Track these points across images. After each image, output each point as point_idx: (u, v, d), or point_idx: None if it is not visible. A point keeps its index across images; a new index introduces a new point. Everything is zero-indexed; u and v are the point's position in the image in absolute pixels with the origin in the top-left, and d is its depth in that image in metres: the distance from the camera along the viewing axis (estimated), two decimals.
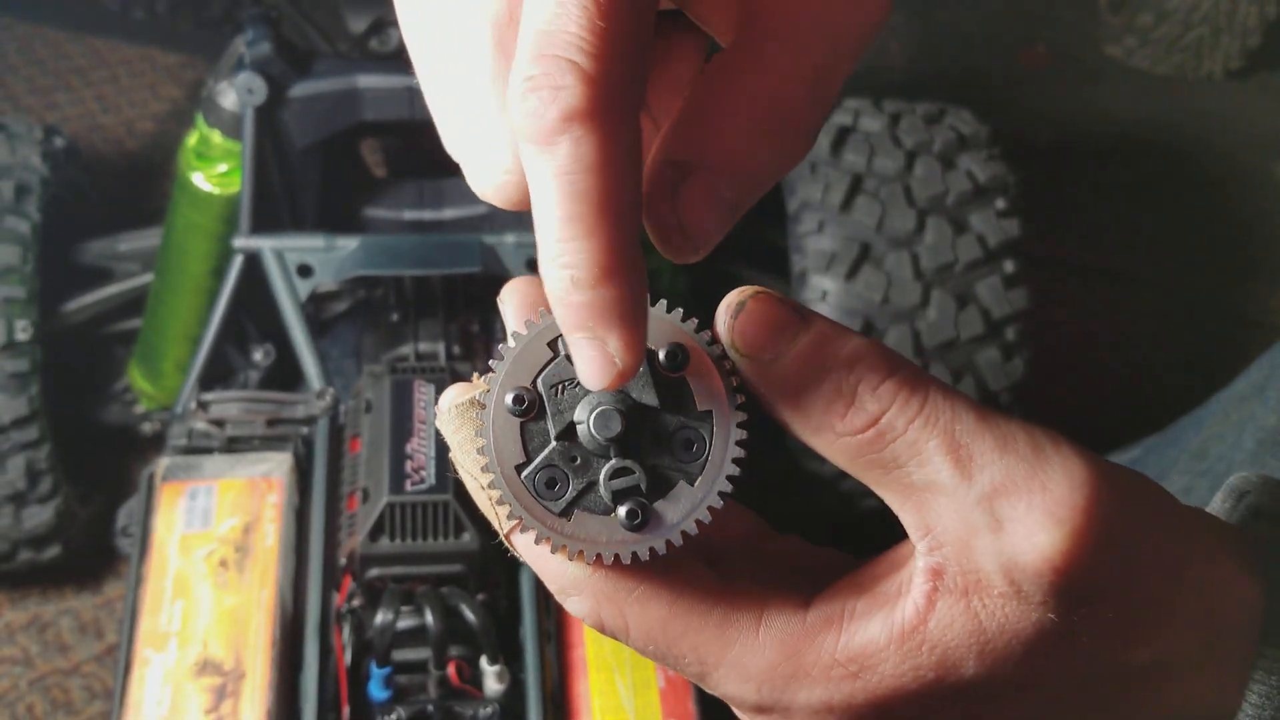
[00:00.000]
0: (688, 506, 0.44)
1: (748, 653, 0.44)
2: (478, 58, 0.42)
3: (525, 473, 0.44)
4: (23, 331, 1.43)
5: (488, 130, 0.43)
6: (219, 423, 1.30)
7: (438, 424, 0.46)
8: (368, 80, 1.47)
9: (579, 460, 0.44)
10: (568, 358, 0.44)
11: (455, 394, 0.45)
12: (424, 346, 1.43)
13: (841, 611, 0.44)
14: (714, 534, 0.46)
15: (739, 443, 0.44)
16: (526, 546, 0.45)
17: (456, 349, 1.43)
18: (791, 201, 1.55)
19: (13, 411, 1.42)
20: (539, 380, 0.44)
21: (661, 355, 0.44)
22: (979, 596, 0.43)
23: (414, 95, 1.44)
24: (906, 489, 0.43)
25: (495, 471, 0.43)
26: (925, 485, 0.43)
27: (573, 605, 0.45)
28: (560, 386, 0.44)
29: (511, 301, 0.46)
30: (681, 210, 0.42)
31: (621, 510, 0.43)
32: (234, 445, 1.29)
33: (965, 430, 0.42)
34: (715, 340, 0.44)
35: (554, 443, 0.44)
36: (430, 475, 1.14)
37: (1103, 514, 0.42)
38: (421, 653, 1.09)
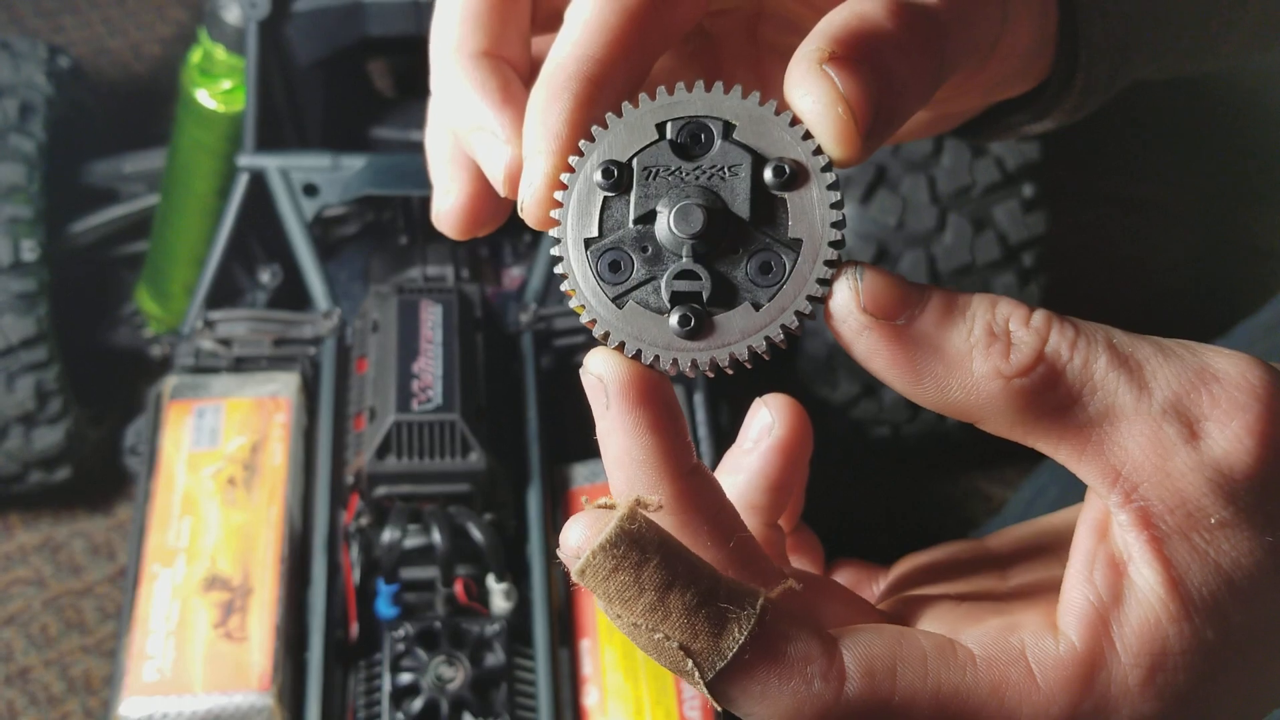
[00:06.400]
0: (748, 328, 0.41)
1: (1040, 711, 0.39)
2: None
3: (593, 247, 0.41)
4: (30, 251, 1.42)
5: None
6: (226, 342, 1.29)
7: (581, 580, 0.39)
8: None
9: (649, 251, 0.41)
10: (671, 143, 0.42)
11: (588, 527, 0.39)
12: (432, 270, 1.41)
13: (1096, 617, 0.39)
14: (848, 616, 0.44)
15: (820, 280, 0.41)
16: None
17: (465, 272, 1.41)
18: None
19: (21, 332, 1.41)
20: (635, 158, 0.42)
21: (769, 168, 0.41)
22: (1197, 532, 0.39)
23: (420, 10, 1.41)
24: (1083, 431, 0.39)
25: (564, 237, 0.42)
26: (1103, 414, 0.39)
27: None
28: (654, 171, 0.41)
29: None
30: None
31: (674, 314, 0.41)
32: (241, 365, 1.28)
33: (1123, 340, 0.39)
34: (830, 166, 0.41)
35: (630, 225, 0.41)
36: (437, 395, 1.13)
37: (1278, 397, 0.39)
38: (429, 571, 1.09)
